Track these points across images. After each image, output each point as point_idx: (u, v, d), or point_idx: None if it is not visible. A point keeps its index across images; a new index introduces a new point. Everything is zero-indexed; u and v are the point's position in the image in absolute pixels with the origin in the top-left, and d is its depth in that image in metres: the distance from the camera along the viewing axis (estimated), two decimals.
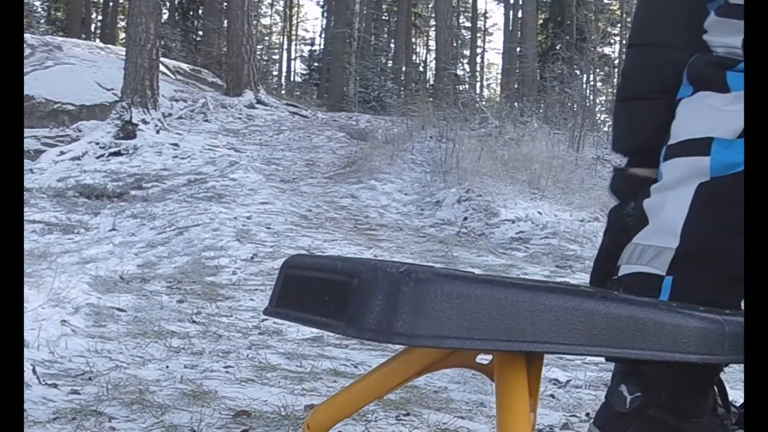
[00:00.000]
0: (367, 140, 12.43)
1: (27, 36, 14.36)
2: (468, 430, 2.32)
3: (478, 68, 38.77)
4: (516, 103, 17.13)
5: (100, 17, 32.54)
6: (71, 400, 2.43)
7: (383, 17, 33.18)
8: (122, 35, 25.21)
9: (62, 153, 10.75)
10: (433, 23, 27.83)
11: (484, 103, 18.32)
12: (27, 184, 8.90)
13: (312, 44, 41.31)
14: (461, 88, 17.97)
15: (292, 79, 38.64)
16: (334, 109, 18.89)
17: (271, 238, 6.66)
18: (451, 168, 9.51)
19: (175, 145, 11.18)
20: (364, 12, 25.90)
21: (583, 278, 5.58)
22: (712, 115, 1.09)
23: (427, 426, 2.33)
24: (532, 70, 22.37)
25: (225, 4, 21.03)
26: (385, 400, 2.45)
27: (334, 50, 24.57)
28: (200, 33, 26.07)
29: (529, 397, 0.86)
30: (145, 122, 11.29)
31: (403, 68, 31.01)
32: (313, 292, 0.88)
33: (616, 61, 29.26)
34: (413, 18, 33.76)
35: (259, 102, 15.26)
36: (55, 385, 2.57)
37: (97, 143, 10.92)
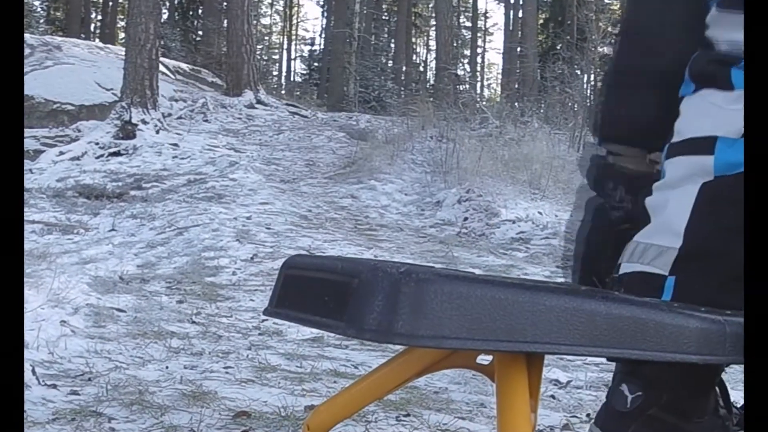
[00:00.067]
0: (367, 140, 12.43)
1: (26, 36, 14.36)
2: (468, 431, 2.32)
3: (478, 68, 38.81)
4: (516, 103, 17.13)
5: (99, 17, 32.55)
6: (71, 401, 2.43)
7: (383, 17, 33.19)
8: (122, 35, 25.22)
9: (61, 153, 10.75)
10: (434, 23, 27.83)
11: (484, 103, 18.33)
12: (26, 184, 8.90)
13: (312, 44, 41.37)
14: (462, 88, 17.98)
15: (292, 79, 38.67)
16: (334, 109, 18.89)
17: (271, 238, 6.66)
18: (452, 168, 9.51)
19: (175, 145, 11.17)
20: (365, 12, 25.90)
21: None
22: (716, 113, 1.09)
23: (427, 427, 2.33)
24: (532, 70, 22.37)
25: (225, 3, 21.03)
26: (386, 401, 2.45)
27: (334, 50, 24.57)
28: (200, 33, 26.08)
29: (530, 398, 0.86)
30: (144, 122, 11.29)
31: (404, 68, 31.02)
32: (313, 292, 0.87)
33: None
34: (413, 18, 33.77)
35: (259, 102, 15.26)
36: (54, 386, 2.57)
37: (97, 143, 10.92)
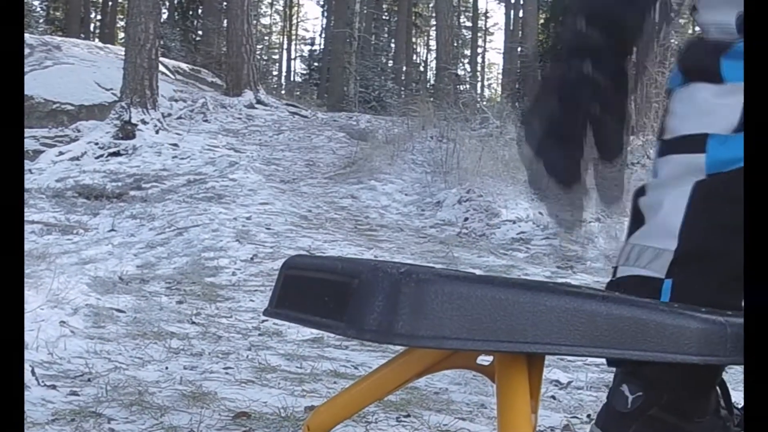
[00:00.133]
0: (367, 140, 12.43)
1: (26, 36, 14.36)
2: None
3: (479, 68, 38.85)
4: (517, 103, 17.13)
5: (99, 17, 32.57)
6: (70, 402, 2.42)
7: (384, 17, 33.19)
8: (121, 35, 25.22)
9: (61, 153, 10.75)
10: (434, 23, 27.83)
11: (485, 103, 18.33)
12: (26, 184, 8.89)
13: (312, 44, 41.37)
14: (462, 88, 17.99)
15: (292, 79, 38.69)
16: (334, 109, 18.89)
17: (271, 238, 6.65)
18: (452, 168, 9.51)
19: (175, 145, 11.17)
20: (365, 11, 25.91)
21: (584, 279, 5.58)
22: (707, 109, 1.07)
23: (427, 427, 2.33)
24: (533, 69, 22.38)
25: (225, 3, 21.03)
26: (386, 402, 2.45)
27: (334, 50, 24.58)
28: (200, 33, 26.08)
29: (530, 399, 0.86)
30: (144, 122, 11.29)
31: (404, 68, 31.03)
32: (313, 292, 0.87)
33: None
34: (414, 17, 33.78)
35: (259, 102, 15.25)
36: (54, 387, 2.57)
37: (96, 143, 10.92)
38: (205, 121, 13.38)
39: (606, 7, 1.12)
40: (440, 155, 10.10)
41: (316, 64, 34.15)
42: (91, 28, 31.33)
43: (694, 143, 1.06)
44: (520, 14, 28.25)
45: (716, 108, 1.06)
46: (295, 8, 42.31)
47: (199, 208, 7.63)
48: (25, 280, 3.79)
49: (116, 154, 10.73)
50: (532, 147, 1.18)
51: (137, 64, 11.30)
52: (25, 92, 11.78)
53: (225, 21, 19.56)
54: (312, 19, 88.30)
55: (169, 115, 12.77)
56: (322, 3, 37.01)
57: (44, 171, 9.94)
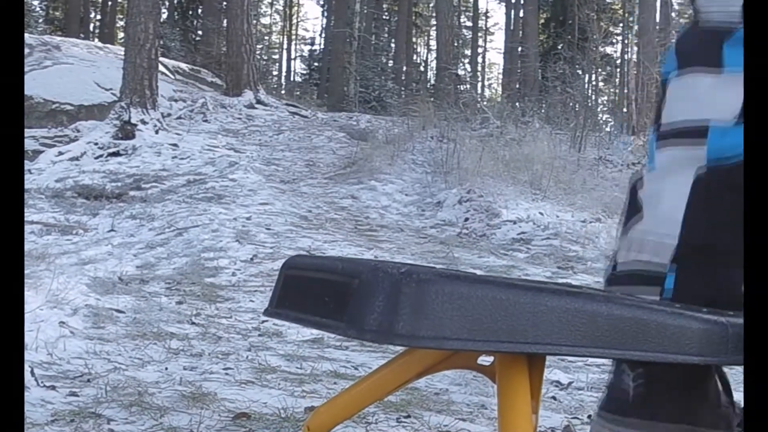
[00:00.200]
0: (367, 140, 12.42)
1: (25, 36, 14.36)
2: None
3: (479, 68, 38.82)
4: (517, 103, 17.15)
5: (98, 17, 32.58)
6: (70, 402, 2.42)
7: (384, 17, 33.20)
8: (121, 35, 25.21)
9: (60, 153, 10.75)
10: (434, 23, 27.83)
11: (485, 103, 18.33)
12: (25, 184, 8.89)
13: (312, 44, 41.38)
14: (462, 88, 17.99)
15: (292, 79, 38.68)
16: (335, 109, 18.89)
17: (271, 239, 6.65)
18: (452, 168, 9.51)
19: (175, 145, 11.17)
20: (365, 11, 25.90)
21: (585, 279, 5.58)
22: (706, 97, 1.04)
23: (427, 428, 2.33)
24: (533, 69, 22.39)
25: (224, 3, 21.04)
26: (386, 402, 2.45)
27: (334, 50, 24.58)
28: (199, 32, 26.08)
29: (531, 399, 0.86)
30: (144, 122, 11.29)
31: (404, 68, 31.03)
32: (314, 292, 0.87)
33: (618, 61, 29.29)
34: (414, 17, 33.78)
35: (259, 102, 15.25)
36: (53, 387, 2.56)
37: (96, 143, 10.92)
38: (205, 121, 13.38)
39: None
40: (440, 155, 10.10)
41: (316, 64, 34.15)
42: (91, 28, 31.33)
43: (694, 133, 1.04)
44: (521, 14, 28.25)
45: (717, 96, 1.02)
46: (295, 8, 42.33)
47: (199, 209, 7.63)
48: (25, 280, 3.79)
49: (116, 154, 10.73)
50: None
51: (137, 64, 11.30)
52: (25, 92, 11.78)
53: (225, 21, 19.56)
54: (312, 19, 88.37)
55: (169, 115, 12.77)
56: (322, 3, 37.05)
57: (44, 171, 9.94)
